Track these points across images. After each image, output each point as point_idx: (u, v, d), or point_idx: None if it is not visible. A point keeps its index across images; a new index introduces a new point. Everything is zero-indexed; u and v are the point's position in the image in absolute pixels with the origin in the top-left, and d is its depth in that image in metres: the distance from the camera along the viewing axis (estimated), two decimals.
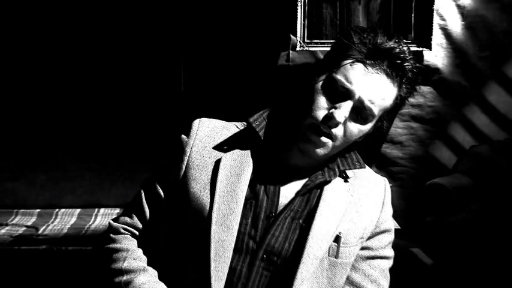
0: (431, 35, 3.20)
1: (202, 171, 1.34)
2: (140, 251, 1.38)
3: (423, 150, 3.33)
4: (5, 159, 3.42)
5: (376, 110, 1.28)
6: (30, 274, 2.68)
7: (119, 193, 3.41)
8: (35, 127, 3.41)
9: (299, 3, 3.27)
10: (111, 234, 1.40)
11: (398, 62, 1.27)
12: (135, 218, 1.40)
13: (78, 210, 3.36)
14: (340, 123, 1.26)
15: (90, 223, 3.19)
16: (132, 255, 1.34)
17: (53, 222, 3.19)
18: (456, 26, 3.22)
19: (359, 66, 1.25)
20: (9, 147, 3.41)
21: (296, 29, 3.26)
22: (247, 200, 1.31)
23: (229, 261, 1.26)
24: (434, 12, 3.18)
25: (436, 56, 3.24)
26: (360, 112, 1.28)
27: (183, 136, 1.40)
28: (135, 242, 1.39)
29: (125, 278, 1.29)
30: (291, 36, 3.26)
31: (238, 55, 3.27)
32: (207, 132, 1.40)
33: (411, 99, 3.29)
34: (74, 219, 3.25)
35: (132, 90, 3.36)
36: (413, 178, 3.31)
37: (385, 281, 1.39)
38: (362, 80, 1.25)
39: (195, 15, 3.29)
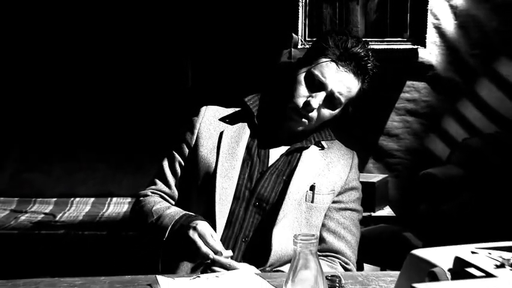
0: (425, 33, 3.35)
1: (209, 139, 1.70)
2: (165, 202, 1.69)
3: (418, 142, 3.49)
4: (24, 152, 3.68)
5: (343, 99, 1.62)
6: (50, 254, 2.93)
7: (130, 183, 3.64)
8: (51, 122, 3.65)
9: (300, 4, 3.47)
10: (141, 198, 1.71)
11: (363, 63, 1.61)
12: (160, 183, 1.72)
13: (92, 199, 3.61)
14: (315, 108, 1.60)
15: (103, 211, 3.44)
16: (160, 202, 1.67)
17: (68, 210, 3.45)
18: (449, 25, 3.39)
19: (332, 65, 1.59)
20: (27, 141, 3.67)
21: (298, 28, 3.46)
22: (244, 160, 1.67)
23: (230, 205, 1.60)
24: (429, 11, 3.34)
25: (430, 53, 3.41)
26: (331, 100, 1.62)
27: (193, 117, 1.76)
28: (160, 198, 1.69)
29: (155, 216, 1.61)
30: (293, 34, 3.45)
31: (242, 53, 3.47)
32: (212, 113, 1.77)
33: (407, 95, 3.52)
34: (88, 208, 3.51)
35: (143, 87, 3.58)
36: (409, 169, 3.48)
37: (355, 229, 1.69)
38: (334, 76, 1.59)
39: (201, 18, 3.51)
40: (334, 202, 1.68)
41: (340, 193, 1.69)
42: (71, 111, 3.65)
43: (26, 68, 3.64)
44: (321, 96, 1.61)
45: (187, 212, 1.59)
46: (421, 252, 0.91)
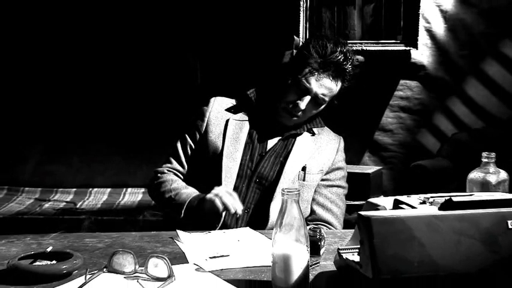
0: (417, 36, 3.66)
1: (217, 126, 2.02)
2: (181, 180, 2.00)
3: (411, 137, 3.81)
4: (46, 146, 4.04)
5: (327, 98, 1.95)
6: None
7: (143, 175, 3.98)
8: (70, 118, 4.01)
9: (301, 9, 3.80)
10: (159, 174, 2.03)
11: (341, 67, 1.90)
12: (174, 162, 2.04)
13: (108, 189, 3.98)
14: (302, 110, 1.91)
15: (119, 200, 3.81)
16: (176, 181, 1.99)
17: (88, 199, 3.83)
18: (439, 28, 3.70)
19: (315, 73, 1.88)
20: (49, 136, 4.02)
21: (299, 30, 3.79)
22: (246, 144, 1.99)
23: (234, 182, 1.93)
24: (420, 16, 3.66)
25: (422, 54, 3.72)
26: (315, 101, 1.93)
27: (204, 107, 2.09)
28: (176, 177, 2.02)
29: (173, 193, 1.94)
30: (294, 37, 3.77)
31: (247, 54, 3.81)
32: (220, 103, 2.10)
33: (400, 93, 3.83)
34: (105, 197, 3.88)
35: (157, 85, 3.93)
36: (402, 162, 3.79)
37: (341, 203, 2.02)
38: (316, 82, 1.91)
39: (209, 22, 3.86)
40: (322, 180, 2.02)
41: (327, 172, 2.03)
42: (90, 108, 4.00)
43: (47, 68, 3.99)
44: (306, 99, 1.93)
45: (201, 194, 1.91)
46: (373, 200, 1.27)
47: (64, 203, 3.72)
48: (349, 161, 3.57)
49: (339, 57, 1.92)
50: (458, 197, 1.10)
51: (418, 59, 3.75)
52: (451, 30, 3.71)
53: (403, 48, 3.73)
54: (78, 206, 3.65)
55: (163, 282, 1.24)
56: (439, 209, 1.10)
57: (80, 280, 1.26)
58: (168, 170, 2.05)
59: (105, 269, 1.31)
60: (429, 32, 3.73)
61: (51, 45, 3.97)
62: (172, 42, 3.90)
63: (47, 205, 3.66)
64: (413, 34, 3.71)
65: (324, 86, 1.93)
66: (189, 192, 1.93)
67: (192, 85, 3.89)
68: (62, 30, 3.94)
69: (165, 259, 1.27)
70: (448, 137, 3.73)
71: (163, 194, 1.97)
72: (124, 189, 3.97)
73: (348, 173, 2.15)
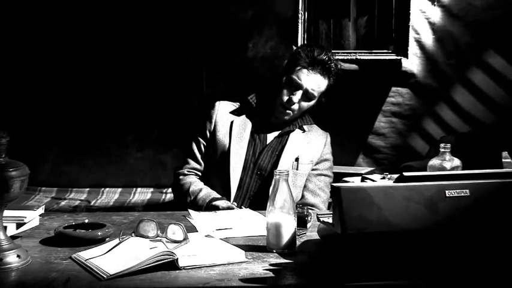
0: (407, 46, 3.95)
1: (223, 127, 2.38)
2: (199, 181, 2.35)
3: (402, 140, 4.10)
4: (62, 148, 4.34)
5: (316, 94, 2.29)
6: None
7: (152, 176, 4.33)
8: (85, 121, 4.30)
9: (299, 20, 4.12)
10: (181, 176, 2.37)
11: (327, 66, 2.26)
12: (192, 162, 2.38)
13: (119, 189, 4.29)
14: (296, 103, 2.25)
15: (130, 198, 4.15)
16: (194, 183, 2.32)
17: (100, 198, 4.16)
18: (428, 39, 4.00)
19: (304, 70, 2.25)
20: (65, 138, 4.32)
21: (297, 41, 4.09)
22: (249, 142, 2.35)
23: (240, 174, 2.29)
24: (410, 27, 3.95)
25: (412, 63, 4.01)
26: (306, 95, 2.28)
27: (211, 110, 2.44)
28: (196, 177, 2.37)
29: (191, 197, 2.27)
30: (293, 47, 4.01)
31: (249, 63, 4.14)
32: (224, 106, 2.45)
33: (392, 99, 4.14)
34: (117, 196, 4.21)
35: (168, 93, 4.22)
36: (393, 163, 4.05)
37: (327, 189, 2.37)
38: (306, 78, 2.26)
39: (215, 35, 4.18)
40: (312, 169, 2.38)
41: (317, 163, 2.39)
42: (103, 113, 4.29)
43: (62, 75, 4.26)
44: (299, 94, 2.31)
45: (214, 197, 2.24)
46: (347, 178, 1.62)
47: (79, 201, 4.05)
48: (344, 162, 3.94)
49: (324, 57, 2.30)
50: (408, 173, 1.46)
51: (409, 67, 4.03)
52: (439, 41, 4.00)
53: (395, 57, 4.01)
54: (92, 204, 3.99)
55: (179, 243, 1.60)
56: (394, 182, 1.45)
57: (114, 242, 1.61)
58: (188, 171, 2.40)
59: (133, 234, 1.67)
60: (419, 42, 4.02)
61: (65, 51, 4.22)
62: (181, 55, 4.20)
63: (63, 203, 4.00)
64: (404, 44, 4.00)
65: (313, 81, 2.30)
66: (204, 197, 2.24)
67: (198, 92, 4.18)
68: (78, 36, 4.21)
69: (181, 225, 1.62)
70: (436, 140, 3.96)
71: (184, 197, 2.31)
72: (134, 189, 4.29)
73: (343, 173, 2.51)
